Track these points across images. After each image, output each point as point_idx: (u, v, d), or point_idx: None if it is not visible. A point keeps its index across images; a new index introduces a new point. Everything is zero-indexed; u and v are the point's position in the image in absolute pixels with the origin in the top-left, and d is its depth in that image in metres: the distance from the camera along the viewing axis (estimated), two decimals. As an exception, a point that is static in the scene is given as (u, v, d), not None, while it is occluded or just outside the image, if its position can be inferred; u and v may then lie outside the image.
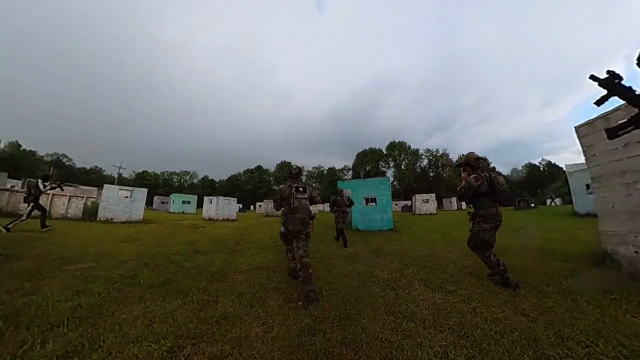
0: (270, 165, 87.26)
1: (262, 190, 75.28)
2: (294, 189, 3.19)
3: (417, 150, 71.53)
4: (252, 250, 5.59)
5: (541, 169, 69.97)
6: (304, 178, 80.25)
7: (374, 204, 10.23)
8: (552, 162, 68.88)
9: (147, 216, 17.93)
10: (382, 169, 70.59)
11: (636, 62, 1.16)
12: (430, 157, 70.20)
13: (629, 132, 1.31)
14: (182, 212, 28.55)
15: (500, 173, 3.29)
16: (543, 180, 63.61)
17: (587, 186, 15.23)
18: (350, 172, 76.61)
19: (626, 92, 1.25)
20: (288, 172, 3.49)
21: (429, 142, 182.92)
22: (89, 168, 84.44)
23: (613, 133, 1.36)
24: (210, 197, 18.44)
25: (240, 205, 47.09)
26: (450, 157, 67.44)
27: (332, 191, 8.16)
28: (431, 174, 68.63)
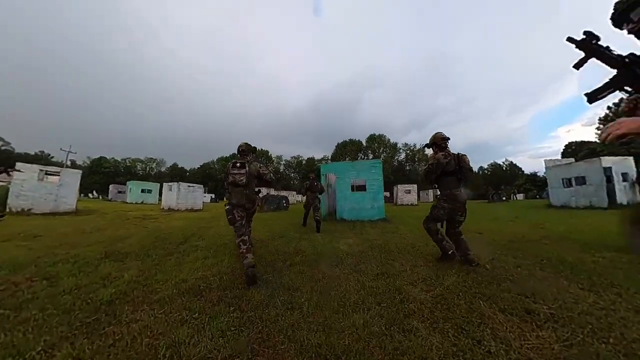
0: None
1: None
2: (231, 164, 3.02)
3: (395, 144, 72.28)
4: (201, 251, 3.80)
5: (504, 168, 76.00)
6: (281, 167, 77.70)
7: (363, 191, 8.80)
8: (514, 162, 75.91)
9: (89, 206, 14.91)
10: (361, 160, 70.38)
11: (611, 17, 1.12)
12: (408, 152, 71.46)
13: (609, 94, 1.19)
14: (142, 203, 25.27)
15: (465, 155, 3.11)
16: (505, 178, 69.32)
17: (563, 180, 15.80)
18: (330, 162, 75.46)
19: (603, 53, 1.14)
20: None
21: (405, 138, 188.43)
22: (32, 154, 72.98)
23: (593, 97, 1.24)
24: (170, 184, 15.81)
25: (213, 195, 43.53)
26: (426, 153, 69.18)
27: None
28: (407, 168, 70.03)
